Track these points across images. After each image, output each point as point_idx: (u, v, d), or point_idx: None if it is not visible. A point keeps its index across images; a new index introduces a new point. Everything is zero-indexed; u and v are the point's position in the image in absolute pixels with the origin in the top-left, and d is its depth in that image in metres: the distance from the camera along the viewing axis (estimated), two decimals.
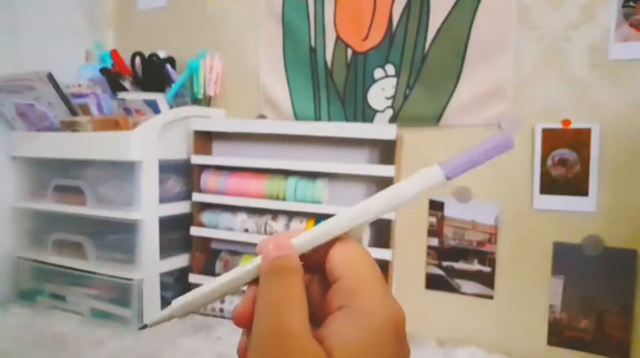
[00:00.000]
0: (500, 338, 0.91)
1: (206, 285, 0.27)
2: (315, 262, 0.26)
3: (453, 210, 0.94)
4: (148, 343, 0.88)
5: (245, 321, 0.24)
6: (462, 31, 0.91)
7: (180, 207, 1.03)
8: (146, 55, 1.13)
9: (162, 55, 1.16)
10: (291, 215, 0.98)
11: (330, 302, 0.24)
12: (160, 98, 1.01)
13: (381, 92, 0.99)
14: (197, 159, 1.04)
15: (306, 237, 0.26)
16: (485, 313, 0.92)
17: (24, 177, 1.09)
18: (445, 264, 0.95)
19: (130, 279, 0.92)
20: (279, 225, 0.97)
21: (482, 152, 0.24)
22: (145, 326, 0.27)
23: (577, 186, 0.84)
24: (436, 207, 0.95)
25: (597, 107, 0.83)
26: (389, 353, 0.22)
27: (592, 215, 0.84)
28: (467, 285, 0.94)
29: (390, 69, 0.98)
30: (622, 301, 0.82)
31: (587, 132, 0.83)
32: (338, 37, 1.02)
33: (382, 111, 0.99)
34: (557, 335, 0.87)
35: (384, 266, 0.91)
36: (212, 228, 1.03)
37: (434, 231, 0.96)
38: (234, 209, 1.03)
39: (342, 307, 0.23)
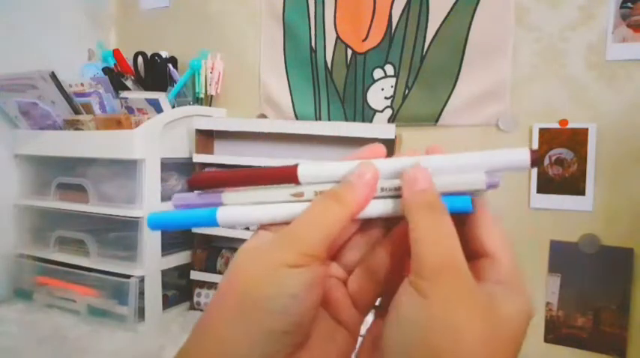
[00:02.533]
0: None
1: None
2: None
3: None
4: (150, 340, 0.89)
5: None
6: (461, 31, 0.92)
7: None
8: (148, 54, 1.14)
9: (164, 54, 1.17)
10: None
11: (477, 272, 0.25)
12: (162, 97, 1.02)
13: (380, 92, 1.00)
14: (199, 158, 1.04)
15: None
16: None
17: (27, 175, 1.09)
18: None
19: (128, 277, 0.93)
20: None
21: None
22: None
23: (574, 185, 0.85)
24: None
25: (594, 107, 0.84)
26: (519, 344, 0.23)
27: (589, 214, 0.85)
28: None
29: (390, 69, 0.98)
30: (618, 299, 0.82)
31: (584, 132, 0.84)
32: (338, 38, 1.03)
33: (381, 111, 1.00)
34: (554, 332, 0.88)
35: None
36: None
37: None
38: None
39: (500, 283, 0.24)
